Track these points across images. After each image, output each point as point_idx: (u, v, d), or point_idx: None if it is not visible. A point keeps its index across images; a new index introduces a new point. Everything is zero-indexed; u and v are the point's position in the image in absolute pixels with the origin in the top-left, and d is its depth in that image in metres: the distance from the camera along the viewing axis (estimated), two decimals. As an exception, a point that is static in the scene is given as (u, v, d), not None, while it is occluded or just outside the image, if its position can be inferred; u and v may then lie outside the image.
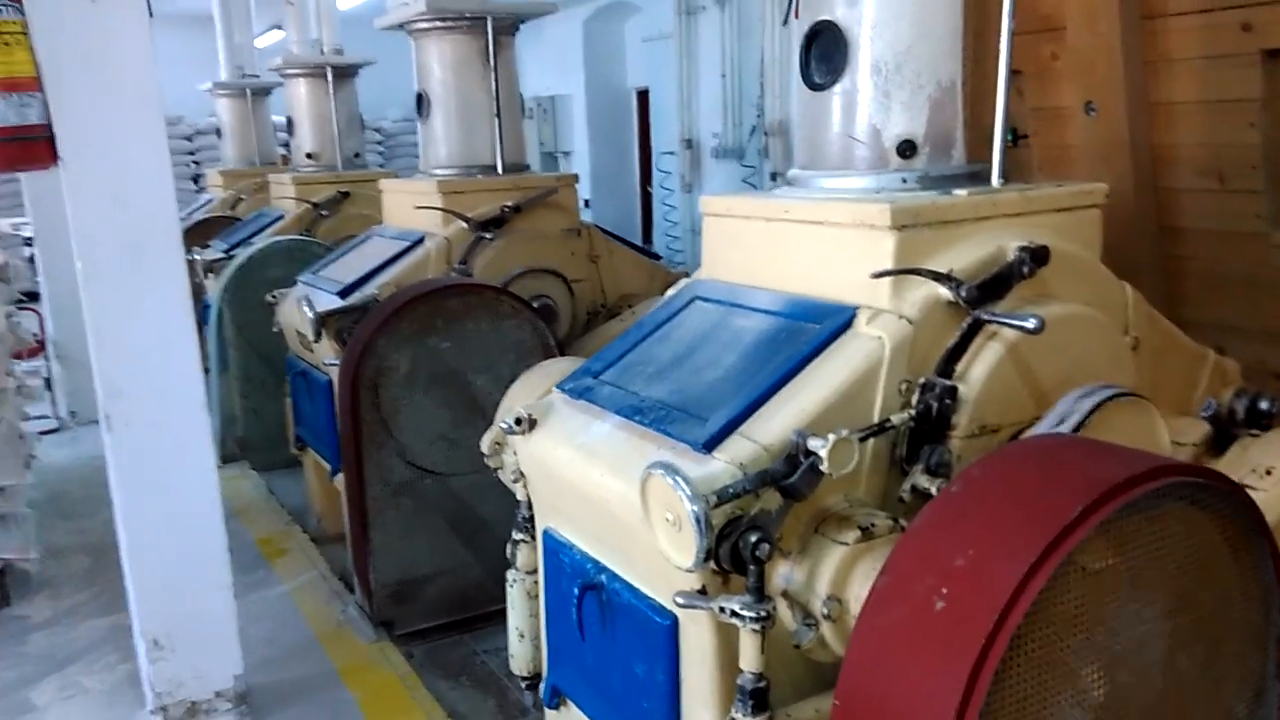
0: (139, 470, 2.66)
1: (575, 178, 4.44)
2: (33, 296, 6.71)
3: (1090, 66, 3.47)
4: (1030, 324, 1.84)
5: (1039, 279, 2.04)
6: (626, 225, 11.41)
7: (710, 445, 1.85)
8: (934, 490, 1.85)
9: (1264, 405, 2.25)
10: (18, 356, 4.70)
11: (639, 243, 11.13)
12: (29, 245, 6.74)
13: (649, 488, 1.75)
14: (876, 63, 2.13)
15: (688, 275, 4.82)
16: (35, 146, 2.52)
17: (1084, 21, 3.43)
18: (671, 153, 9.86)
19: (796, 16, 2.38)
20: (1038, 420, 1.97)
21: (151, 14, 2.62)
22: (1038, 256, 1.99)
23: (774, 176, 8.42)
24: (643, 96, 11.05)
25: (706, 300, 2.40)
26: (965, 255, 2.01)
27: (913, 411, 1.89)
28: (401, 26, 4.27)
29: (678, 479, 1.67)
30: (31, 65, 2.49)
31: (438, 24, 4.13)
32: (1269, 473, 2.09)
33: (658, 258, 5.18)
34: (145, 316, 2.58)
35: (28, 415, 4.68)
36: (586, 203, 11.10)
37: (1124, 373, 2.12)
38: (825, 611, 1.76)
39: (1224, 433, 2.27)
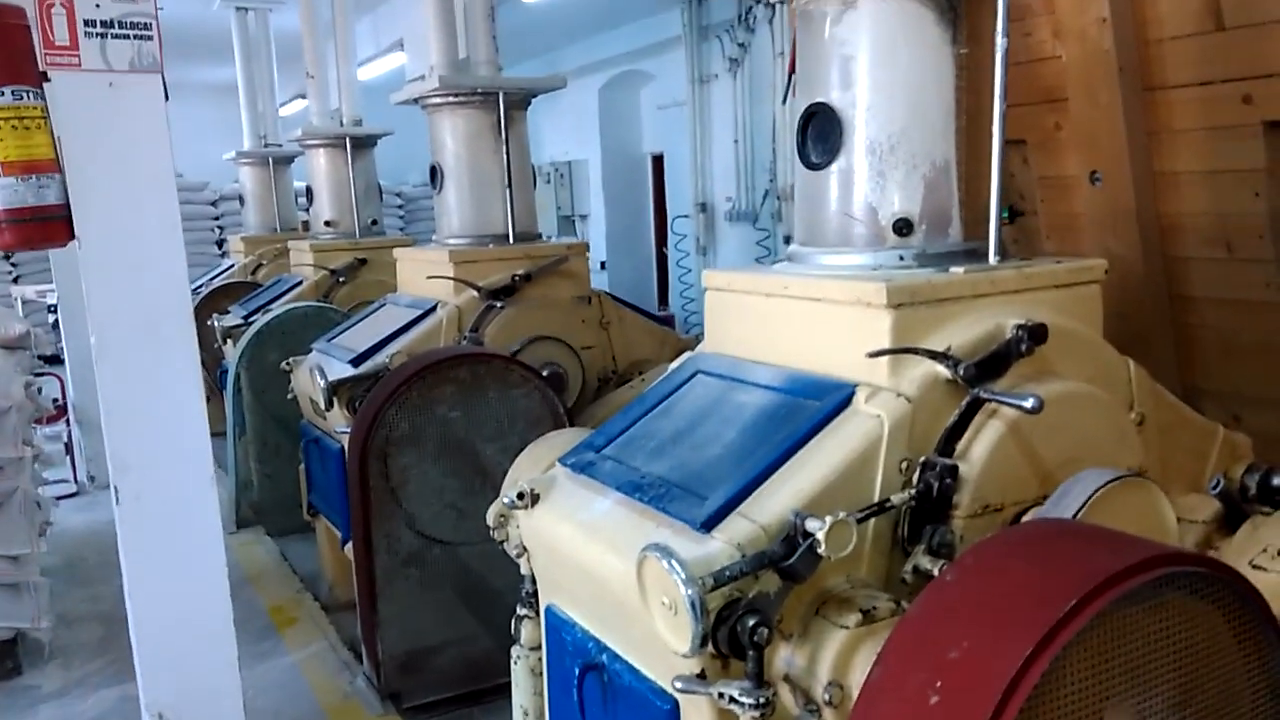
0: (146, 544, 2.68)
1: (586, 246, 4.50)
2: (55, 360, 6.83)
3: (1093, 137, 3.50)
4: (1028, 404, 1.83)
5: (1039, 356, 2.04)
6: (643, 287, 11.51)
7: (709, 525, 1.84)
8: (936, 572, 1.83)
9: (1276, 481, 2.22)
10: (38, 422, 4.77)
11: (655, 304, 11.25)
12: (53, 311, 6.87)
13: (645, 570, 1.74)
14: (871, 144, 2.17)
15: (699, 341, 4.86)
16: (52, 226, 2.58)
17: (1085, 93, 3.47)
18: (686, 216, 9.97)
19: (794, 96, 2.43)
20: (1042, 499, 1.96)
21: (168, 97, 2.70)
22: (1035, 334, 1.99)
23: (787, 240, 8.47)
24: (658, 161, 11.22)
25: (709, 374, 2.41)
26: (963, 333, 2.02)
27: (913, 491, 1.88)
28: (416, 101, 4.38)
29: (672, 562, 1.66)
30: (51, 148, 2.57)
31: (451, 99, 4.23)
32: (1280, 553, 2.05)
33: (669, 323, 5.22)
34: (156, 392, 2.61)
35: (45, 480, 4.73)
36: (603, 264, 11.22)
37: (1129, 450, 2.10)
38: (827, 698, 1.72)
39: (1235, 509, 2.23)
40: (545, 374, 3.91)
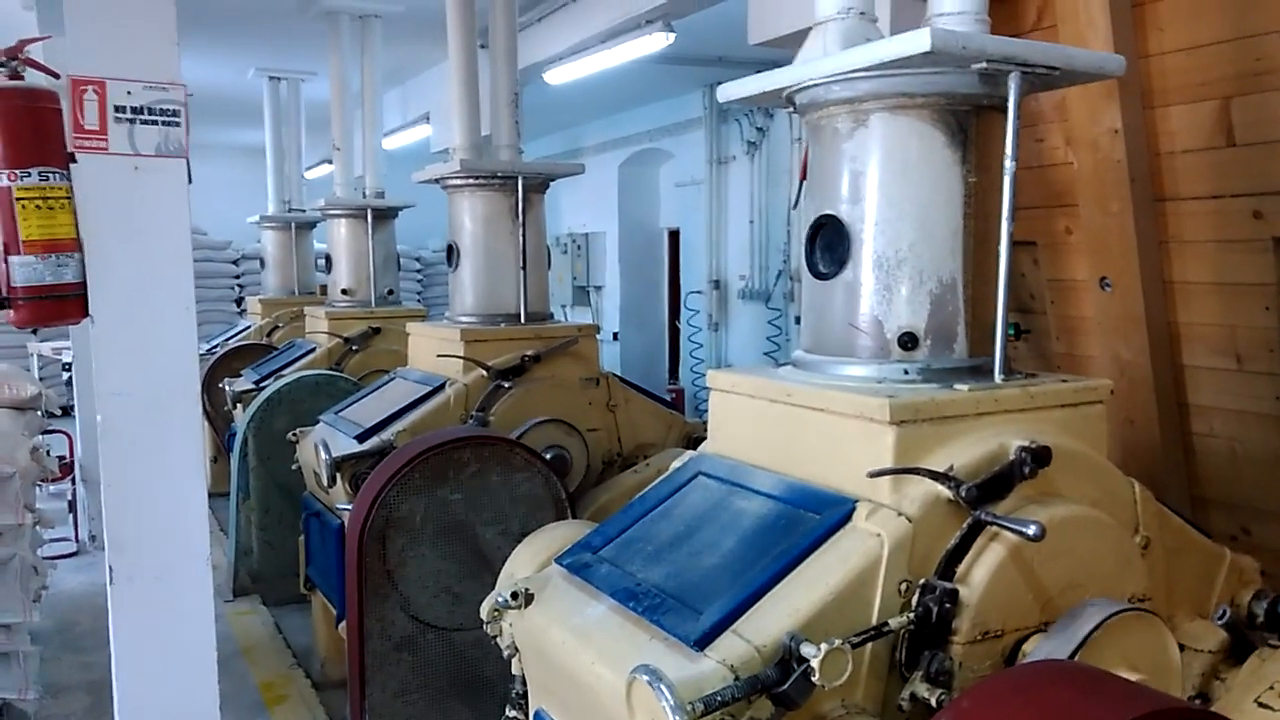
0: (137, 624, 2.65)
1: (596, 328, 4.53)
2: (68, 411, 6.86)
3: (1104, 244, 3.53)
4: (1031, 530, 1.81)
5: (1042, 477, 2.02)
6: (654, 360, 11.54)
7: (702, 643, 1.81)
8: (934, 701, 1.79)
9: (1284, 610, 2.18)
10: (44, 480, 4.77)
11: (665, 378, 11.26)
12: (67, 369, 6.93)
13: (634, 692, 1.71)
14: (879, 257, 2.18)
15: (705, 428, 4.84)
16: (68, 304, 2.62)
17: (1096, 201, 3.51)
18: (699, 292, 10.04)
19: (798, 205, 2.46)
20: (1043, 626, 1.92)
21: (191, 180, 2.76)
22: (1039, 457, 1.98)
23: (799, 320, 8.51)
24: (674, 236, 11.35)
25: (710, 477, 2.40)
26: (966, 452, 2.00)
27: (912, 615, 1.85)
28: (438, 181, 4.46)
29: (661, 688, 1.63)
30: (73, 228, 2.63)
31: (471, 182, 4.31)
32: (1289, 690, 2.00)
33: (677, 404, 5.21)
34: (159, 474, 2.62)
35: (45, 540, 4.71)
36: (615, 335, 11.27)
37: (1134, 576, 2.07)
38: (817, 829, 1.68)
39: (1242, 638, 2.19)
40: (549, 457, 3.90)
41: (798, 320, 8.39)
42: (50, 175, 2.59)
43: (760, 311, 9.19)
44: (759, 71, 7.90)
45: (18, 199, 2.56)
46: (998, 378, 2.16)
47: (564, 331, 4.40)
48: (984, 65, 2.03)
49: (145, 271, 2.63)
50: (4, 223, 2.58)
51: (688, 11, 5.42)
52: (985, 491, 1.94)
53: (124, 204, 2.63)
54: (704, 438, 4.59)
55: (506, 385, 4.14)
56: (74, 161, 2.61)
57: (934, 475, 1.93)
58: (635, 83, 8.69)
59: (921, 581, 1.89)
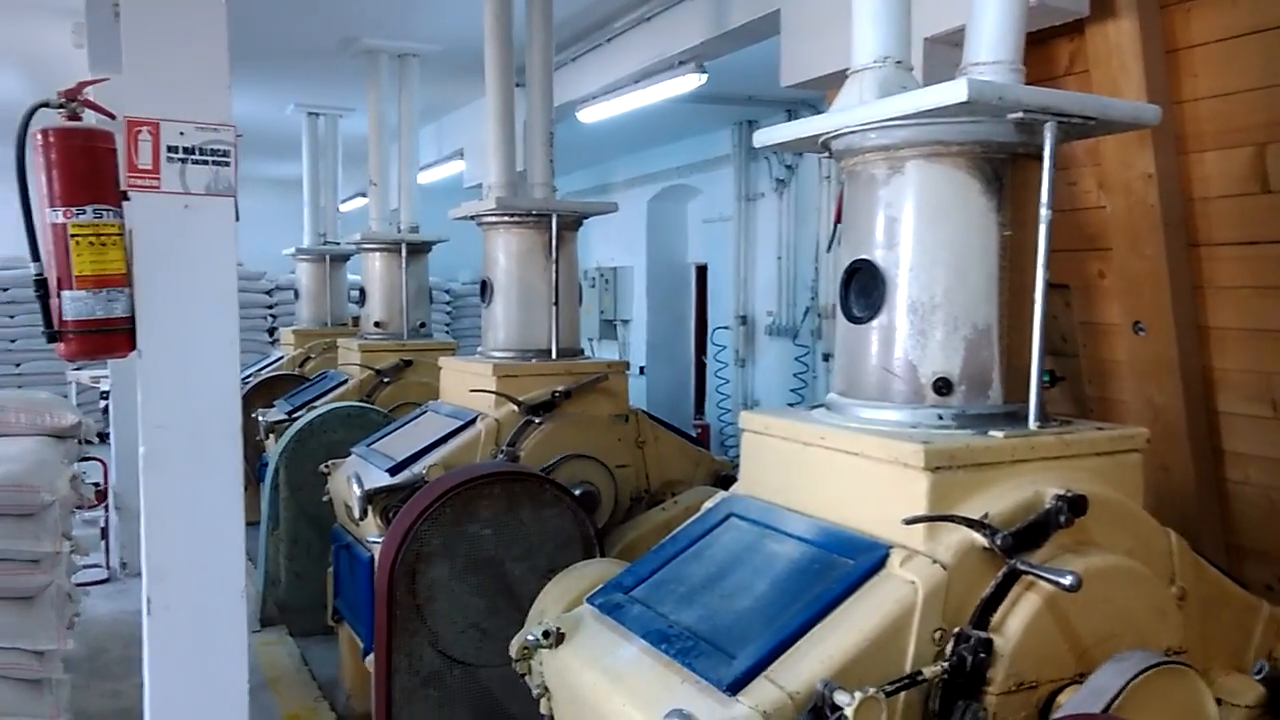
0: (172, 654, 2.68)
1: (626, 364, 4.55)
2: (103, 437, 6.96)
3: (1137, 288, 3.52)
4: (1067, 581, 1.80)
5: (1078, 526, 2.01)
6: (680, 395, 11.55)
7: (735, 687, 1.82)
8: (967, 751, 1.78)
9: (1325, 665, 2.14)
10: (79, 507, 4.83)
11: (691, 413, 11.26)
12: (105, 398, 7.05)
13: (668, 735, 1.72)
14: (913, 303, 2.20)
15: (734, 464, 4.83)
16: (116, 338, 2.68)
17: (1129, 245, 3.51)
18: (726, 327, 10.06)
19: (832, 248, 2.48)
20: (1078, 677, 1.91)
21: (238, 218, 2.83)
22: (1075, 506, 1.97)
23: (826, 357, 8.52)
24: (701, 271, 11.40)
25: (742, 519, 2.41)
26: (1001, 500, 2.00)
27: (946, 664, 1.84)
28: (473, 218, 4.53)
29: (696, 732, 1.63)
30: (123, 263, 2.69)
31: (506, 219, 4.37)
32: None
33: (703, 441, 5.22)
34: (197, 505, 2.66)
35: (78, 567, 4.77)
36: (641, 370, 11.29)
37: (1170, 627, 2.05)
38: None
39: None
40: (578, 493, 3.92)
41: (825, 357, 8.46)
42: (104, 213, 2.66)
43: (787, 348, 9.19)
44: (789, 110, 7.98)
45: (72, 235, 2.63)
46: (1033, 424, 2.16)
47: (594, 368, 4.43)
48: (1020, 115, 2.06)
49: (192, 307, 2.68)
50: (58, 258, 2.65)
51: (721, 53, 5.50)
52: (1021, 540, 1.94)
53: (173, 241, 2.69)
54: (732, 476, 4.61)
55: (537, 420, 4.17)
56: (127, 199, 2.68)
57: (969, 523, 1.93)
58: (666, 120, 8.79)
59: (956, 630, 1.88)
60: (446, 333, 13.28)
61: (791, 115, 8.70)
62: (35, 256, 2.71)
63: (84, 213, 2.64)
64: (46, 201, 2.67)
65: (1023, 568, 1.89)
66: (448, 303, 13.90)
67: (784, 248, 9.19)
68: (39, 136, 2.66)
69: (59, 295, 2.67)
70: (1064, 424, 2.26)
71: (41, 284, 2.72)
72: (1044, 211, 2.11)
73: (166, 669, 2.72)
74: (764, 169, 9.46)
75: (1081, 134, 2.26)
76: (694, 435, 5.14)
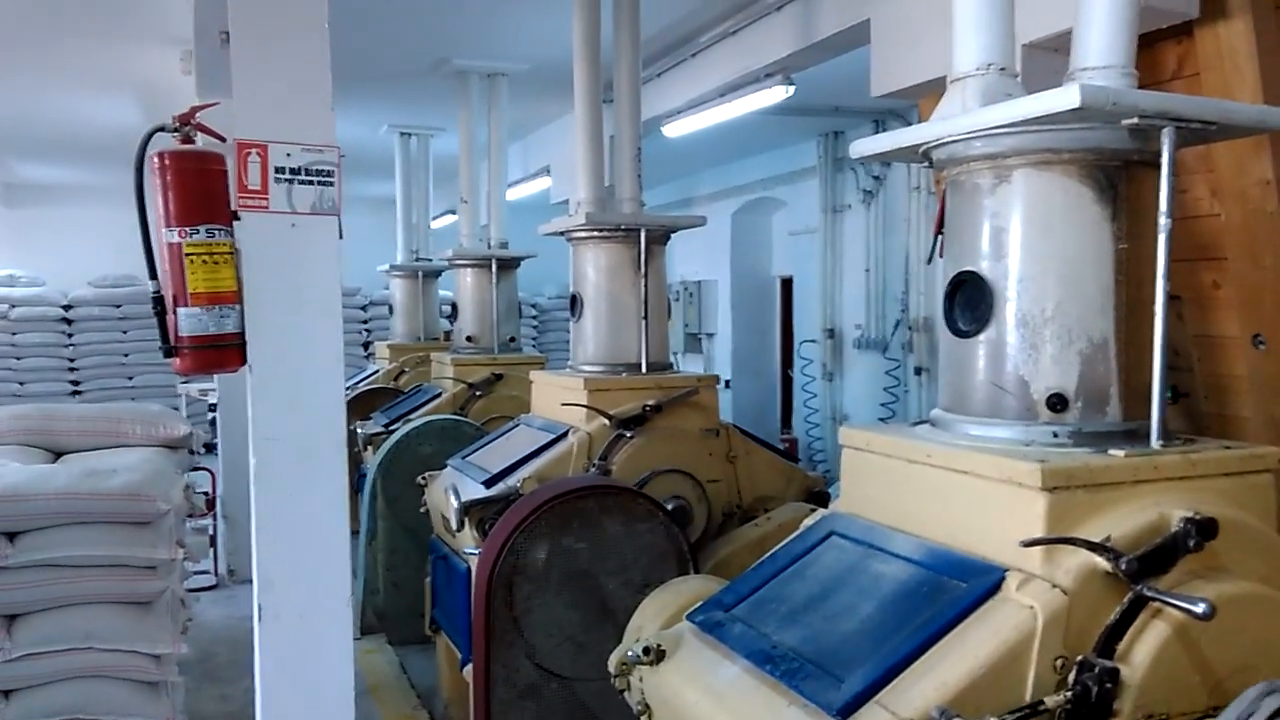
0: (282, 661, 2.76)
1: (716, 379, 4.52)
2: (210, 448, 7.24)
3: (1257, 300, 3.35)
4: (1200, 609, 1.71)
5: (1207, 551, 1.91)
6: (766, 408, 11.44)
7: (845, 712, 1.77)
8: (1091, 786, 1.70)
9: None
10: (190, 516, 5.03)
11: (778, 427, 11.14)
12: (213, 410, 7.33)
13: (777, 759, 1.68)
14: (1023, 316, 2.13)
15: (826, 479, 4.75)
16: (228, 353, 2.79)
17: (1247, 255, 3.34)
18: (813, 341, 9.94)
19: (932, 260, 2.42)
20: (1211, 710, 1.81)
21: (341, 236, 2.91)
22: (1205, 530, 1.87)
23: (918, 371, 8.34)
24: (786, 284, 11.30)
25: (844, 538, 2.36)
26: (1123, 522, 1.91)
27: (1069, 693, 1.76)
28: (563, 234, 4.57)
29: (808, 757, 1.60)
30: (234, 281, 2.80)
31: (595, 234, 4.40)
32: None
33: (792, 456, 5.15)
34: (305, 514, 2.74)
35: (189, 574, 4.95)
36: (727, 383, 11.23)
37: (1311, 660, 1.92)
38: None
39: None
40: (670, 507, 3.90)
41: (917, 371, 8.28)
42: (216, 232, 2.77)
43: (877, 361, 9.03)
44: (876, 120, 7.85)
45: (187, 254, 2.75)
46: (1155, 443, 2.06)
47: (684, 382, 4.42)
48: (1135, 121, 1.98)
49: (299, 323, 2.77)
50: (174, 276, 2.77)
51: (808, 64, 5.44)
52: (1146, 565, 1.85)
53: (281, 259, 2.78)
54: (824, 492, 4.54)
55: (628, 434, 4.17)
56: (237, 219, 2.79)
57: (1091, 546, 1.84)
58: (750, 133, 8.74)
59: (1079, 658, 1.80)
60: (533, 347, 13.44)
61: (879, 125, 8.56)
62: (153, 275, 2.83)
63: (197, 232, 2.75)
64: (163, 222, 2.79)
65: (1150, 594, 1.80)
66: (534, 317, 14.08)
67: (872, 260, 9.04)
68: (155, 160, 2.78)
69: (174, 312, 2.78)
70: (1187, 442, 2.15)
71: (159, 301, 2.84)
72: (1163, 220, 2.02)
73: (277, 674, 2.80)
74: (850, 180, 9.33)
75: (1199, 139, 2.16)
76: (783, 449, 5.07)
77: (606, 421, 4.18)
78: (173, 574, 3.76)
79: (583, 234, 4.45)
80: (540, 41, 6.35)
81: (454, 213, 8.83)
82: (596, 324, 4.48)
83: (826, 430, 9.79)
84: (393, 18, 5.93)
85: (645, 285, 4.41)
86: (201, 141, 2.91)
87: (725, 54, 5.97)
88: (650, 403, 4.24)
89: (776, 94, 5.71)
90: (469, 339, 6.61)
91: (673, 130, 6.89)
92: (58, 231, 12.70)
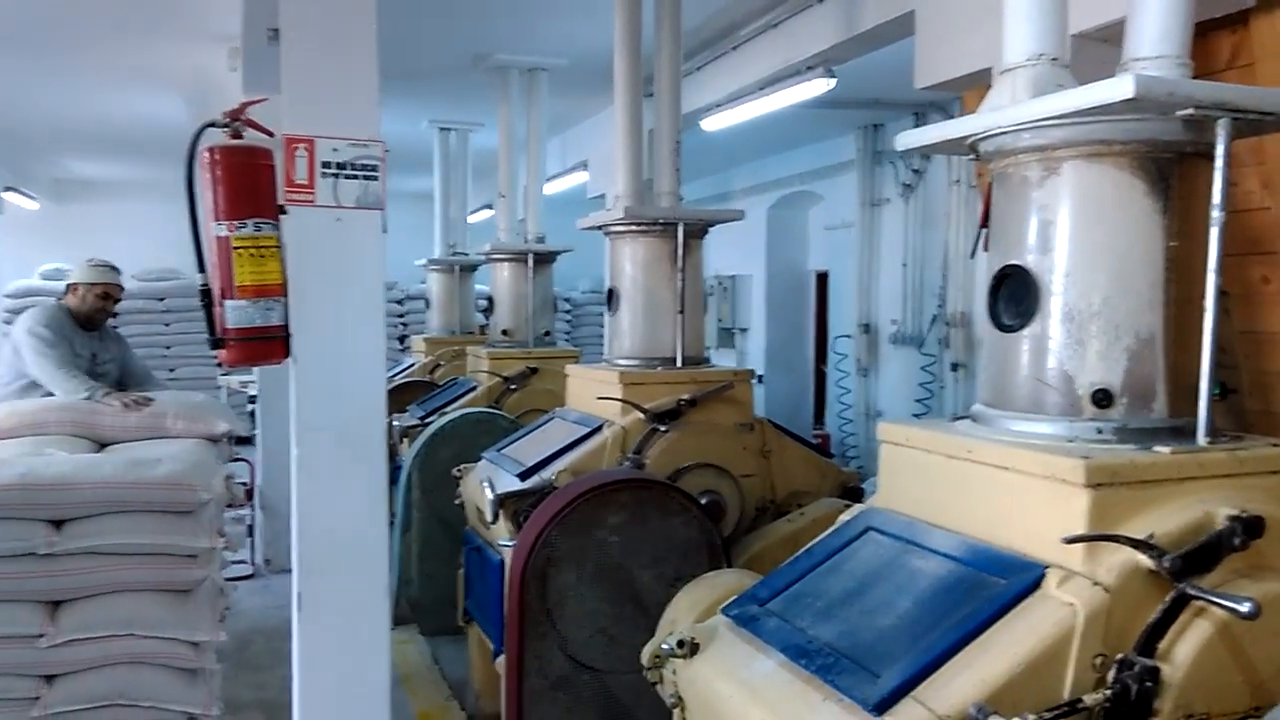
0: (320, 650, 2.81)
1: (751, 373, 4.51)
2: (248, 440, 7.36)
3: (1308, 296, 3.27)
4: (1245, 608, 1.68)
5: (1253, 549, 1.88)
6: (799, 403, 11.39)
7: (881, 707, 1.77)
8: (1132, 786, 1.68)
9: None
10: (230, 506, 5.12)
11: (811, 421, 11.09)
12: (253, 402, 7.44)
13: (814, 752, 1.68)
14: (1069, 310, 2.10)
15: (859, 475, 4.71)
16: (273, 345, 2.84)
17: (1300, 250, 3.27)
18: (848, 336, 9.88)
19: (976, 254, 2.39)
20: (1254, 711, 1.78)
21: (385, 230, 2.95)
22: (1251, 528, 1.84)
23: (955, 367, 8.25)
24: (821, 278, 11.23)
25: (881, 533, 2.35)
26: (1167, 520, 1.89)
27: (1109, 692, 1.75)
28: (600, 228, 4.59)
29: (845, 751, 1.59)
30: (280, 274, 2.84)
31: (633, 228, 4.41)
32: None
33: (826, 451, 5.12)
34: (346, 503, 2.78)
35: (227, 563, 5.04)
36: (760, 378, 11.19)
37: (1362, 663, 1.88)
38: None
39: None
40: (704, 502, 3.90)
41: (954, 367, 8.19)
42: (263, 225, 2.82)
43: (913, 357, 8.95)
44: (916, 113, 7.75)
45: (234, 247, 2.80)
46: (1202, 440, 2.03)
47: (719, 376, 4.41)
48: (1190, 112, 1.94)
49: (343, 315, 2.81)
50: (221, 269, 2.82)
51: (850, 57, 5.40)
52: (1190, 563, 1.82)
53: (326, 252, 2.83)
54: (858, 488, 4.50)
55: (663, 428, 4.17)
56: (284, 213, 2.83)
57: (1134, 543, 1.82)
58: (788, 126, 8.69)
59: (1119, 657, 1.78)
60: (567, 341, 13.48)
61: (920, 118, 8.47)
62: (201, 268, 2.89)
63: (245, 226, 2.79)
64: (211, 215, 2.85)
65: (1193, 592, 1.78)
66: (568, 311, 14.12)
67: (910, 254, 8.96)
68: (205, 154, 2.83)
69: (221, 304, 2.83)
70: (1234, 440, 2.11)
71: (206, 294, 2.90)
72: (1215, 214, 1.98)
73: (315, 662, 2.85)
74: (889, 174, 9.26)
75: (1255, 131, 2.12)
76: (816, 444, 5.05)
77: (641, 415, 4.19)
78: (213, 563, 3.82)
79: (621, 228, 4.46)
80: (580, 37, 6.36)
81: (491, 207, 8.88)
82: (633, 318, 4.49)
83: (860, 426, 9.73)
84: (434, 14, 5.98)
85: (682, 279, 4.41)
86: (248, 137, 2.96)
87: (766, 46, 5.94)
88: (685, 397, 4.24)
89: (818, 86, 5.67)
90: (505, 333, 6.65)
91: (712, 124, 6.87)
92: (103, 226, 12.94)
